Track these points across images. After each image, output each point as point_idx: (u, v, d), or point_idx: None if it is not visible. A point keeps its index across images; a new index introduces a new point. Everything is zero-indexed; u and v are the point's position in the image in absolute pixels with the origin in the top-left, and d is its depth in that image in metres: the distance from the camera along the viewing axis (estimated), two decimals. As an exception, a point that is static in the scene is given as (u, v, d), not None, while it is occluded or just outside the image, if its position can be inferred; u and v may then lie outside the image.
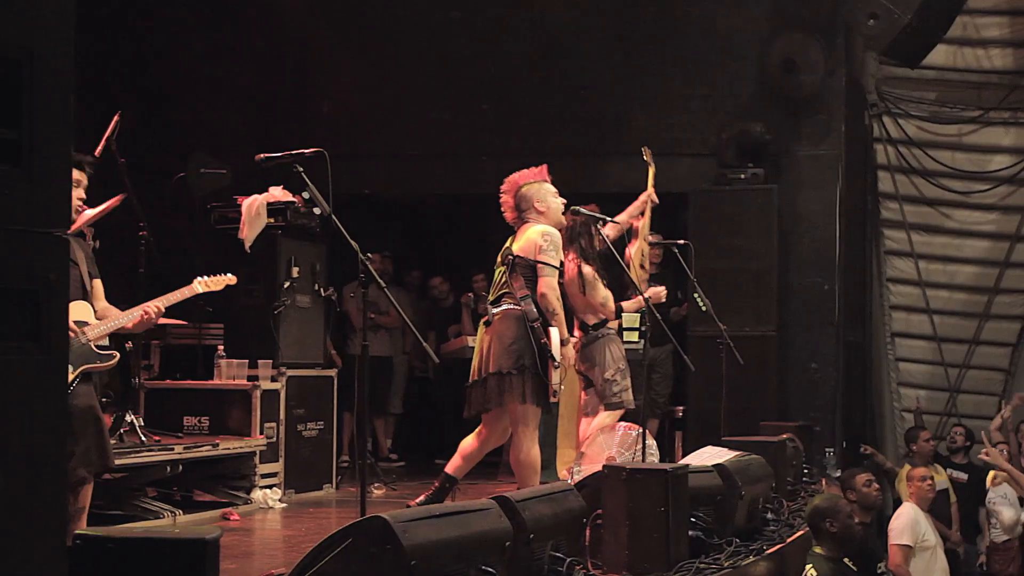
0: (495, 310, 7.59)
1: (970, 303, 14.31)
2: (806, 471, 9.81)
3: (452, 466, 7.87)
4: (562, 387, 7.74)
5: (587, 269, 8.86)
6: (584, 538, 5.78)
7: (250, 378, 9.44)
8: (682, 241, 9.73)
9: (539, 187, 7.82)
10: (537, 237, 7.59)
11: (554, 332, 7.49)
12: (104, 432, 6.10)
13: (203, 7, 13.15)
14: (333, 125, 13.02)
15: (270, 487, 9.37)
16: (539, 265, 7.53)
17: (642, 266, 9.70)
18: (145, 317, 6.35)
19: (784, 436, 9.20)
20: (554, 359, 7.42)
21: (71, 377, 5.92)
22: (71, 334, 5.94)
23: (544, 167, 7.94)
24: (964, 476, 12.77)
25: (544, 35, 13.05)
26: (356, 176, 12.46)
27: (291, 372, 9.78)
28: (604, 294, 8.93)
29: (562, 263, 7.80)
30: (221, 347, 9.62)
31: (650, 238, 11.99)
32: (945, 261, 14.34)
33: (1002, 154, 13.98)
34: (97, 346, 6.15)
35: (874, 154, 14.17)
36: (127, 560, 3.70)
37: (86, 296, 6.24)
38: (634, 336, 10.74)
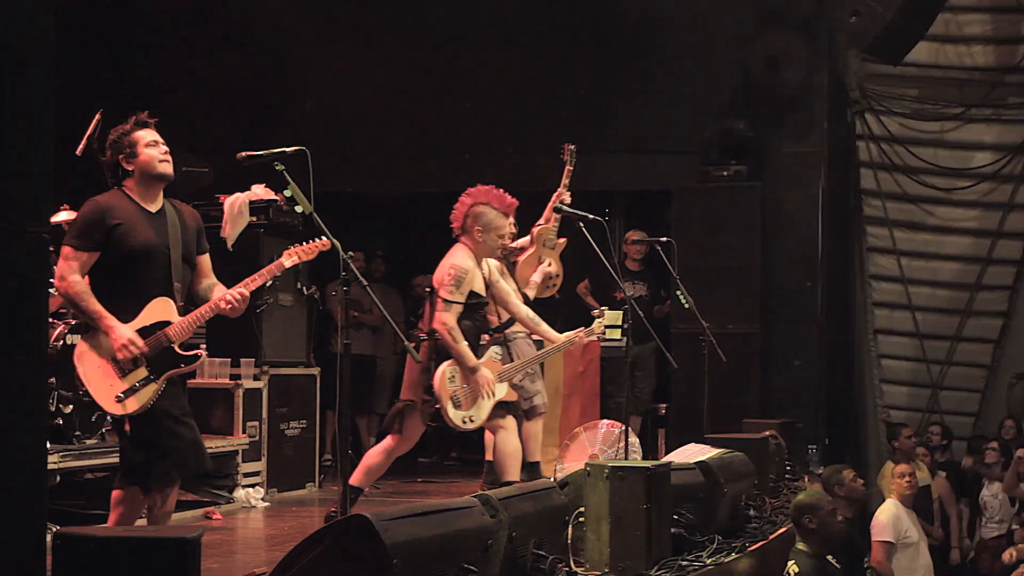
0: (422, 336, 7.65)
1: (952, 300, 14.35)
2: (789, 468, 9.82)
3: (356, 478, 7.76)
4: (474, 416, 7.68)
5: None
6: (566, 536, 5.78)
7: (232, 377, 9.43)
8: (664, 238, 9.72)
9: (493, 217, 7.73)
10: (444, 270, 7.60)
11: (439, 370, 7.46)
12: (197, 433, 5.98)
13: (186, 4, 13.12)
14: (316, 123, 13.01)
15: (252, 486, 9.36)
16: (437, 299, 7.53)
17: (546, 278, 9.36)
18: (228, 307, 6.02)
19: (767, 433, 9.21)
20: (435, 399, 7.45)
21: (157, 386, 5.81)
22: (158, 341, 5.81)
23: (514, 203, 7.87)
24: (943, 474, 12.83)
25: (527, 33, 13.05)
26: (339, 174, 12.45)
27: (274, 371, 9.77)
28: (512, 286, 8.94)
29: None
30: (203, 346, 9.58)
31: (634, 235, 12.03)
32: (927, 258, 14.38)
33: (984, 151, 14.03)
34: (181, 347, 5.93)
35: (857, 151, 14.20)
36: (109, 559, 3.69)
37: (170, 288, 5.97)
38: (616, 333, 10.76)
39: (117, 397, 5.74)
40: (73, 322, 8.26)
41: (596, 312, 8.65)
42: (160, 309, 5.92)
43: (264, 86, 13.31)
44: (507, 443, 7.78)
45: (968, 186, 14.05)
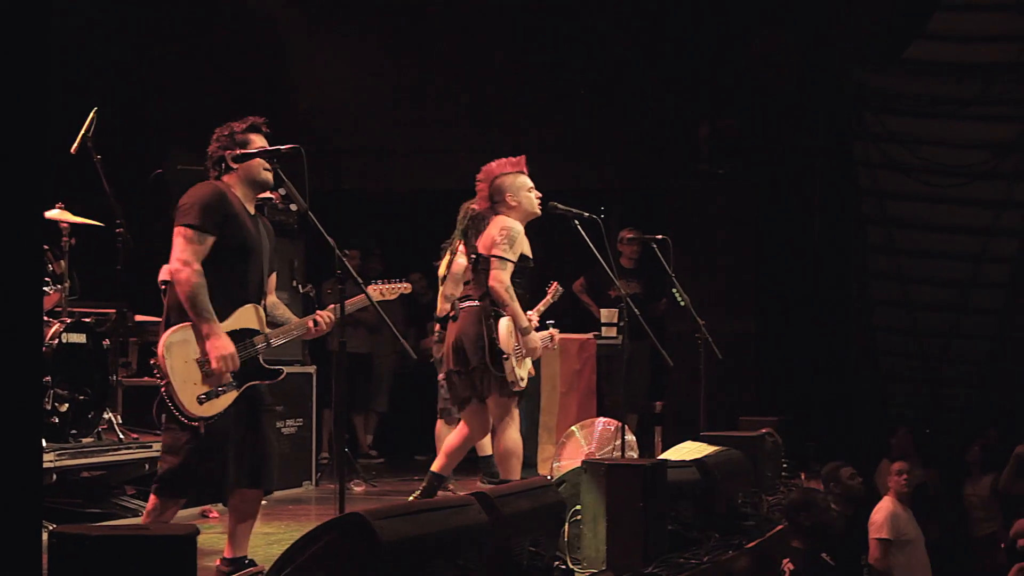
0: (461, 305, 7.80)
1: (948, 297, 14.36)
2: (785, 465, 9.82)
3: (438, 464, 7.93)
4: (524, 377, 7.77)
5: (462, 262, 9.01)
6: (563, 533, 5.78)
7: (229, 375, 9.39)
8: (660, 236, 9.71)
9: (514, 179, 7.87)
10: (495, 232, 7.72)
11: (503, 323, 7.57)
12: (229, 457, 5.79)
13: (180, 3, 13.10)
14: (311, 121, 12.99)
15: (249, 484, 9.33)
16: (491, 259, 7.64)
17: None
18: (317, 330, 6.09)
19: (763, 430, 9.20)
20: (502, 352, 7.50)
21: (236, 394, 5.74)
22: (245, 349, 5.73)
23: (523, 158, 8.00)
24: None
25: (521, 30, 13.05)
26: (335, 172, 12.45)
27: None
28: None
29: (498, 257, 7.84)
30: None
31: (628, 233, 12.03)
32: (924, 256, 14.38)
33: (980, 148, 14.02)
34: (266, 360, 5.90)
35: (853, 149, 14.19)
36: (105, 557, 3.68)
37: (262, 296, 5.97)
38: (612, 331, 10.77)
39: (199, 399, 5.60)
40: (69, 321, 8.25)
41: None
42: (250, 316, 5.85)
43: (260, 84, 13.28)
44: (510, 438, 7.83)
45: (964, 184, 14.04)
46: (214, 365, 5.62)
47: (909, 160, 14.05)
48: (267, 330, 5.90)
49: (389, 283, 6.63)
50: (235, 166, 5.85)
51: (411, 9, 13.27)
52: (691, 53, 12.70)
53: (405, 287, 6.71)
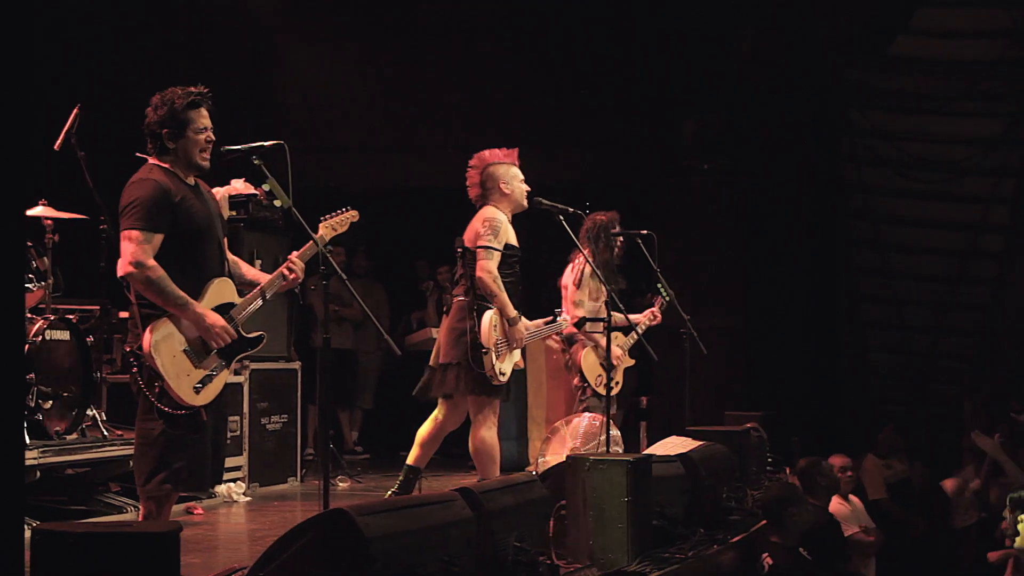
0: (455, 300, 7.83)
1: (935, 293, 14.37)
2: (770, 460, 9.83)
3: (412, 456, 7.91)
4: (505, 371, 7.76)
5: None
6: (548, 529, 5.78)
7: (213, 371, 9.38)
8: (645, 231, 9.72)
9: (507, 169, 7.95)
10: (478, 224, 7.78)
11: (486, 316, 7.58)
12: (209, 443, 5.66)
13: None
14: (298, 117, 12.98)
15: (234, 481, 9.34)
16: (477, 250, 7.67)
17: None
18: (292, 277, 5.85)
19: (748, 425, 9.21)
20: (482, 346, 7.49)
21: (228, 373, 5.67)
22: (229, 332, 5.61)
23: (515, 151, 8.05)
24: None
25: (511, 27, 13.04)
26: (321, 169, 12.42)
27: (255, 365, 9.74)
28: None
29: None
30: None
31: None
32: (911, 251, 14.40)
33: (966, 144, 14.03)
34: (245, 330, 5.75)
35: (839, 144, 14.20)
36: (88, 555, 3.67)
37: (225, 267, 5.78)
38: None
39: (195, 388, 5.49)
40: (52, 318, 8.24)
41: (557, 311, 8.78)
42: (223, 290, 5.71)
43: (245, 81, 13.26)
44: (479, 437, 7.80)
45: (951, 179, 14.05)
46: (215, 344, 5.56)
47: (895, 156, 14.06)
48: (238, 300, 5.76)
49: (336, 215, 6.27)
50: (171, 145, 5.65)
51: (402, 5, 13.25)
52: (677, 49, 12.70)
53: (353, 215, 6.37)
